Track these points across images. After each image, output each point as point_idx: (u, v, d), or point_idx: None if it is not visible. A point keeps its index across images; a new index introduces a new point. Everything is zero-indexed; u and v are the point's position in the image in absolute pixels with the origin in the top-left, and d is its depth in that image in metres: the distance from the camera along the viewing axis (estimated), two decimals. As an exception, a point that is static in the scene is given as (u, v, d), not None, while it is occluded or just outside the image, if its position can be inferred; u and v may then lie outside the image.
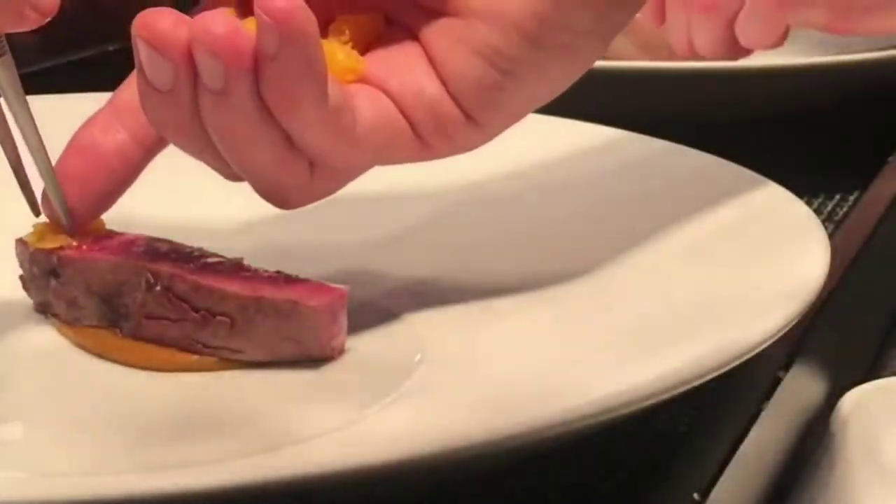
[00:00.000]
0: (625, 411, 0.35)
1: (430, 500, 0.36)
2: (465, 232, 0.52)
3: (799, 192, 0.50)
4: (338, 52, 0.43)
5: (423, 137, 0.43)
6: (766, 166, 0.51)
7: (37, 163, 0.45)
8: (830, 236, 0.45)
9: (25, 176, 0.45)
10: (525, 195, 0.53)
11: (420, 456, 0.32)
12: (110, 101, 0.45)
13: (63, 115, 0.45)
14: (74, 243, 0.45)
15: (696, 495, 0.39)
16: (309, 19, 0.39)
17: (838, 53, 0.74)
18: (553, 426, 0.34)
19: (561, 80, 0.44)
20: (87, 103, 0.46)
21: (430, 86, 0.43)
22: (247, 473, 0.31)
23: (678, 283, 0.46)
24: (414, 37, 0.44)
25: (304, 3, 0.39)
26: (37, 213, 0.46)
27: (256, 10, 0.39)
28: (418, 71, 0.43)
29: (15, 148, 0.44)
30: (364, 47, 0.44)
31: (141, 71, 0.41)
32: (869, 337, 0.57)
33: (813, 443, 0.46)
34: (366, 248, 0.51)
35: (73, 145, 0.45)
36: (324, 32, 0.43)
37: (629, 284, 0.46)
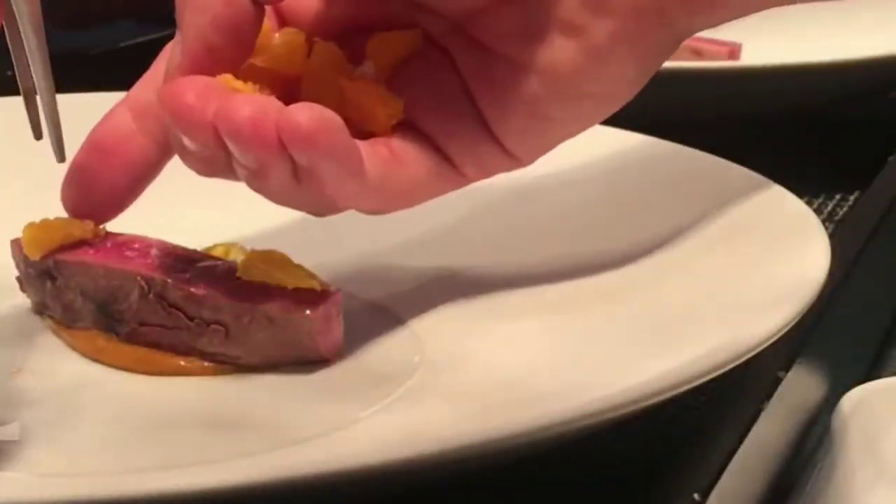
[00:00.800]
0: (624, 411, 0.35)
1: (430, 500, 0.36)
2: (465, 233, 0.52)
3: (799, 192, 0.50)
4: (376, 107, 0.42)
5: (464, 173, 0.44)
6: (766, 166, 0.51)
7: (42, 99, 0.44)
8: (830, 236, 0.45)
9: (35, 103, 0.44)
10: (526, 195, 0.53)
11: (419, 456, 0.32)
12: (126, 101, 0.45)
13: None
14: (67, 243, 0.45)
15: (696, 495, 0.39)
16: (334, 129, 0.38)
17: (838, 53, 0.74)
18: (553, 426, 0.34)
19: (597, 119, 0.45)
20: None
21: (473, 129, 0.43)
22: (247, 473, 0.31)
23: (678, 283, 0.46)
24: (451, 62, 0.44)
25: (325, 113, 0.37)
26: (37, 137, 0.45)
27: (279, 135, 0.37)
28: (461, 111, 0.43)
29: (29, 76, 0.43)
30: (400, 63, 0.44)
31: (173, 134, 0.40)
32: (869, 337, 0.57)
33: (813, 443, 0.46)
34: (366, 249, 0.51)
35: (92, 145, 0.45)
36: (360, 49, 0.43)
37: (628, 285, 0.46)
